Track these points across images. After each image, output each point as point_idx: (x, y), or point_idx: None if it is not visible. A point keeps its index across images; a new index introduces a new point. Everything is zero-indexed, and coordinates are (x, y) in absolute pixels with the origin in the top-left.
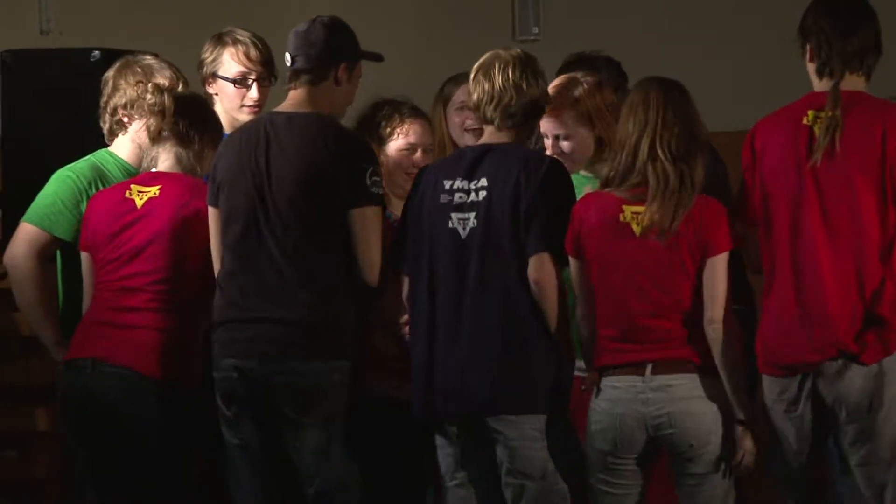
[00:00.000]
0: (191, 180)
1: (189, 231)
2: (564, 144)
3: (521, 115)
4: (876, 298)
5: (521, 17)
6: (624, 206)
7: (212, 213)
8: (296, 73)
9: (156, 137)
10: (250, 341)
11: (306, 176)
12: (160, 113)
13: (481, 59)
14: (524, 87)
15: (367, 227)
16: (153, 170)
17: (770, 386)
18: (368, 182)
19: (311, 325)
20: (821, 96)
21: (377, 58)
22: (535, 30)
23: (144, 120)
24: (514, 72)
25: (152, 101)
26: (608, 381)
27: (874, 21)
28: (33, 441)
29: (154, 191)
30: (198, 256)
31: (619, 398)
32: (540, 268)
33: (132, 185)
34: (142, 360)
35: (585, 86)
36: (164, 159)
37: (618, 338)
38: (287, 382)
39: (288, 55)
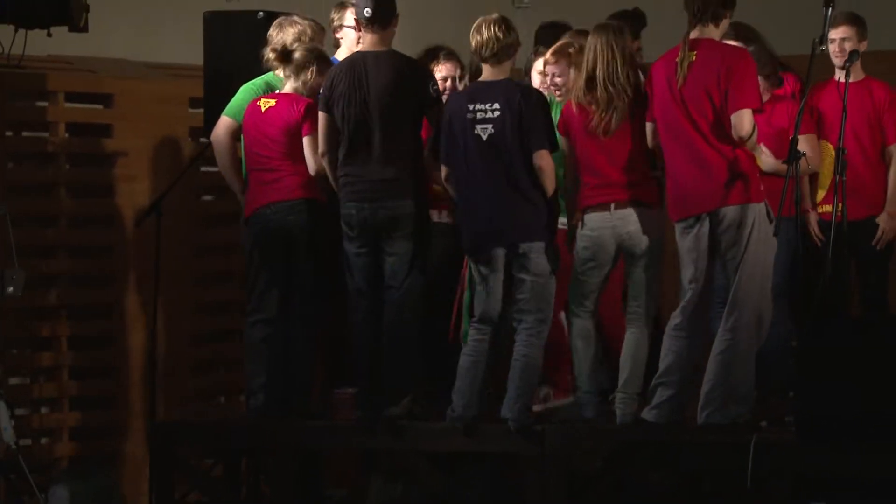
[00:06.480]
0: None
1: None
2: (558, 80)
3: (504, 55)
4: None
5: None
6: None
7: (324, 117)
8: (371, 23)
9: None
10: (363, 191)
11: (394, 88)
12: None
13: (476, 22)
14: (502, 36)
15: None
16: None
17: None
18: (430, 91)
19: (395, 179)
20: (687, 43)
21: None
22: (526, 0)
23: None
24: (496, 27)
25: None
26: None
27: None
28: None
29: (273, 102)
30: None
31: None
32: (541, 158)
33: (262, 98)
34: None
35: (575, 46)
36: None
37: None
38: (384, 213)
39: (368, 10)
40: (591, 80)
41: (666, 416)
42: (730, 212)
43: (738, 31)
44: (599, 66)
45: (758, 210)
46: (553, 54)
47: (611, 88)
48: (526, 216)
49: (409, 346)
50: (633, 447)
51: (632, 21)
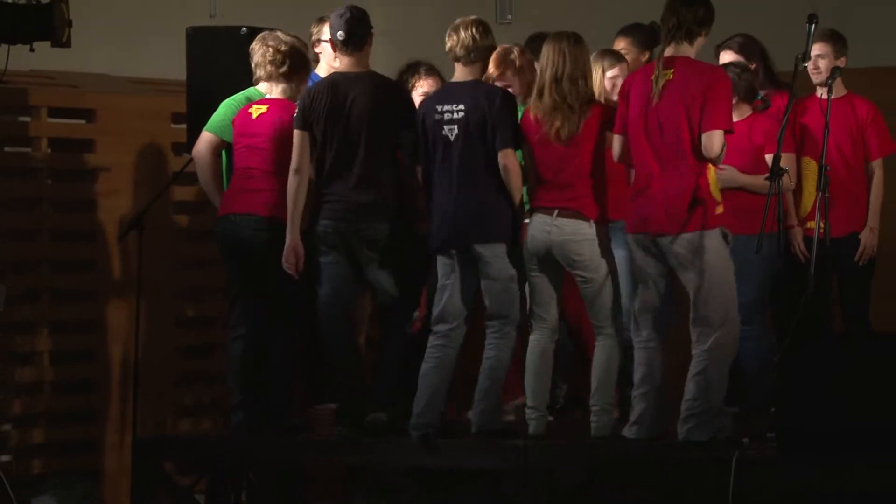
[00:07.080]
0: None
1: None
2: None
3: (478, 56)
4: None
5: (500, 7)
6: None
7: (300, 134)
8: (345, 45)
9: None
10: (342, 210)
11: (376, 109)
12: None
13: (454, 23)
14: (479, 37)
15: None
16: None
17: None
18: (410, 112)
19: (375, 203)
20: (662, 61)
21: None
22: (509, 16)
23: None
24: (474, 28)
25: (272, 59)
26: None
27: (696, 9)
28: None
29: (264, 108)
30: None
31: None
32: (506, 157)
33: (253, 105)
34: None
35: (515, 52)
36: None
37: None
38: (362, 234)
39: (341, 33)
40: (542, 88)
41: (646, 431)
42: (686, 238)
43: (742, 43)
44: (550, 72)
45: (713, 235)
46: (496, 67)
47: (565, 96)
48: (484, 218)
49: (411, 367)
50: (615, 463)
51: (648, 35)
